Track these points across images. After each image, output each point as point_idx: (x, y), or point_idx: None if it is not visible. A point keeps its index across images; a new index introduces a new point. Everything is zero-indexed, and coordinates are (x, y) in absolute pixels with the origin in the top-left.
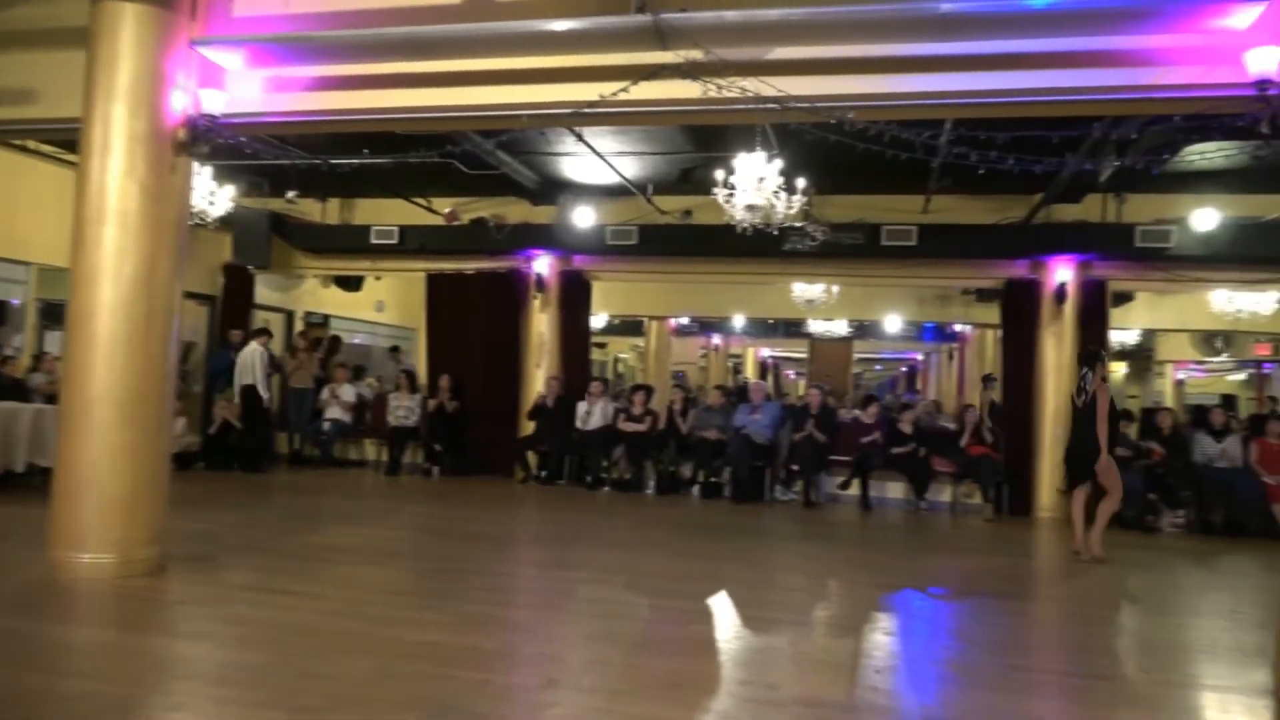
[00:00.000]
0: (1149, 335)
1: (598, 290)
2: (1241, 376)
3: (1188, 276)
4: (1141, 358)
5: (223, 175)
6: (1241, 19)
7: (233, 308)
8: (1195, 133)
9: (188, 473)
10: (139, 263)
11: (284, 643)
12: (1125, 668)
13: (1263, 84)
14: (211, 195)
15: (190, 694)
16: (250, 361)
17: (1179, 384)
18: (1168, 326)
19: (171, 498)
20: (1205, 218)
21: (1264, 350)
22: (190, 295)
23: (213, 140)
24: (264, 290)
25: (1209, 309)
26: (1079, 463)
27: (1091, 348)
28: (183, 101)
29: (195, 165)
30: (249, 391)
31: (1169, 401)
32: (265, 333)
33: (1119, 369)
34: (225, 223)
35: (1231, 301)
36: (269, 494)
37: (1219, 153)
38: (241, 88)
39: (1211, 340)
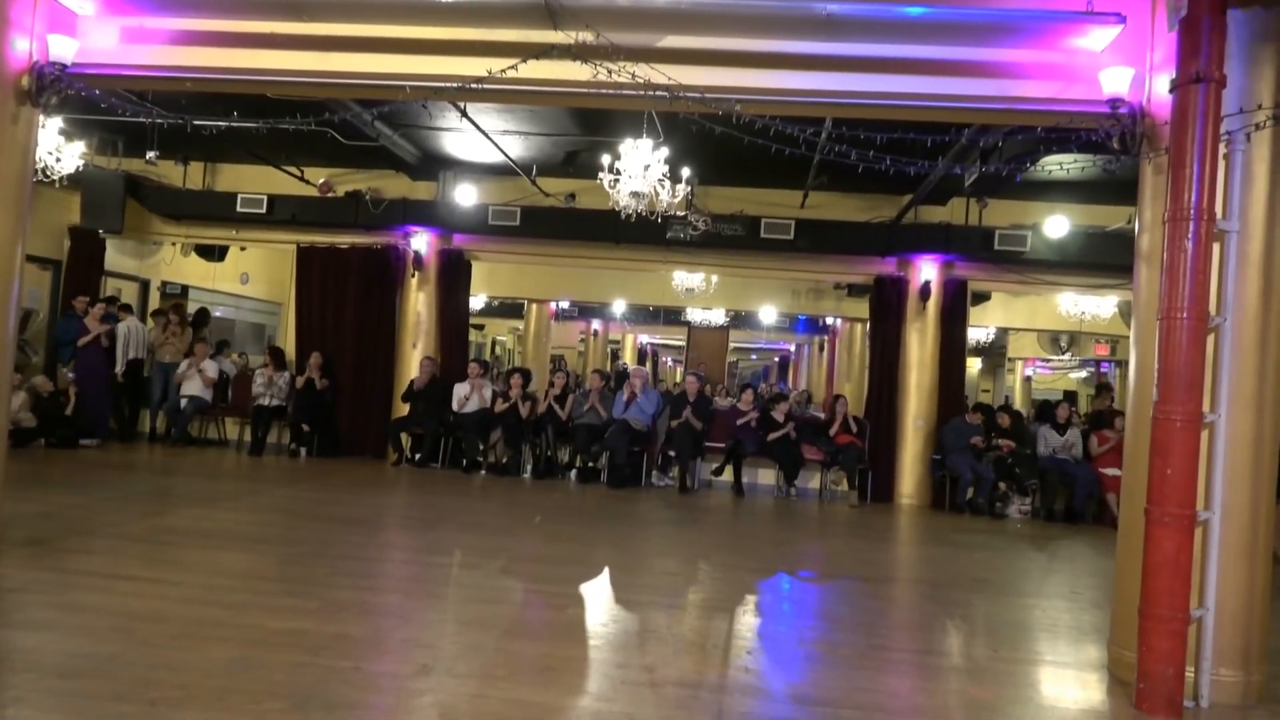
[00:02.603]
0: (1002, 333)
1: (478, 271)
2: (1083, 374)
3: (1039, 279)
4: (995, 354)
5: (72, 130)
6: (1097, 40)
7: (79, 274)
8: (1054, 144)
9: (26, 450)
10: None
11: (133, 631)
12: (975, 646)
13: (1115, 102)
14: (57, 150)
15: (29, 687)
16: (138, 336)
17: (1027, 380)
18: (1019, 326)
19: (8, 477)
20: (1057, 225)
21: (1103, 350)
22: (31, 259)
23: (61, 91)
24: (116, 256)
25: (1056, 310)
26: None
27: None
28: (26, 46)
29: (40, 117)
30: (137, 365)
31: (1017, 395)
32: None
33: (972, 364)
34: (74, 182)
35: (1077, 304)
36: (117, 474)
37: (1074, 164)
38: (96, 36)
39: (1057, 340)
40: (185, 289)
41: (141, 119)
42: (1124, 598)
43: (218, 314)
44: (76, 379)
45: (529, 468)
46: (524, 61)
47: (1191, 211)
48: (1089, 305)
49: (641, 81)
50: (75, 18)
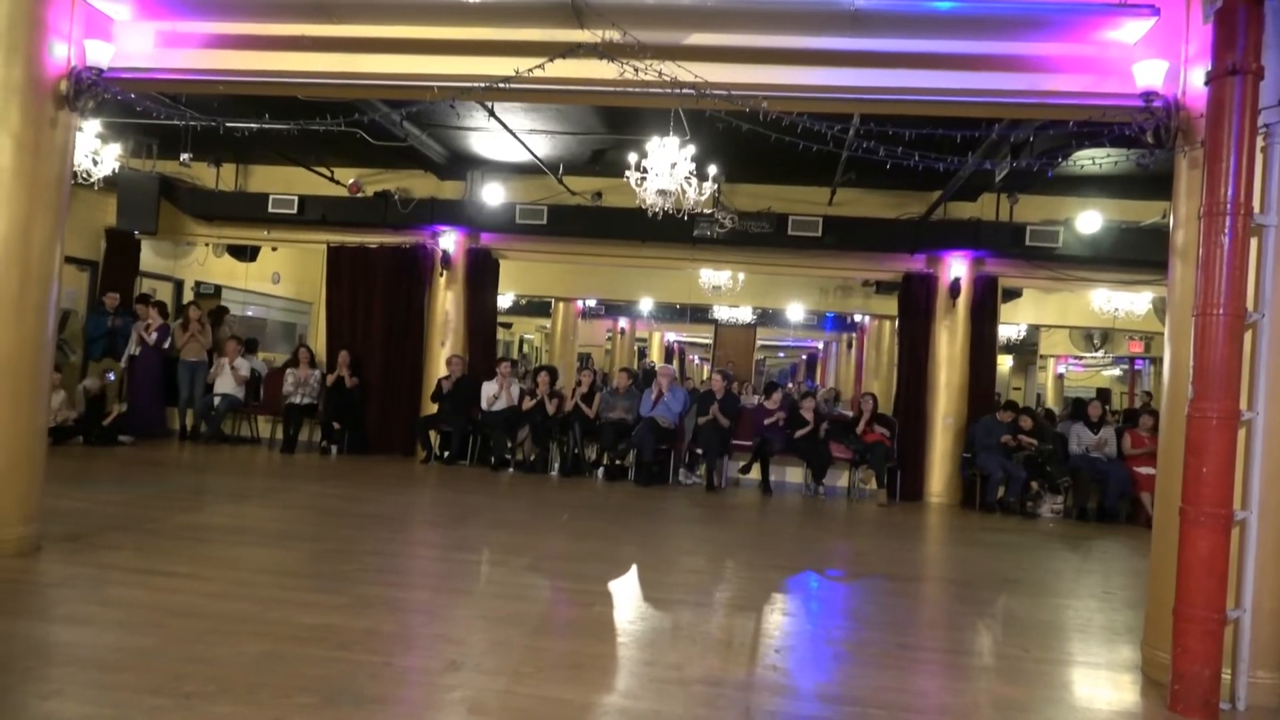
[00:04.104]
0: (1033, 331)
1: (505, 269)
2: (1116, 372)
3: (1072, 276)
4: (1026, 352)
5: (108, 133)
6: (1130, 33)
7: (115, 274)
8: (1086, 139)
9: (65, 447)
10: (12, 223)
11: (168, 626)
12: (1005, 645)
13: (1149, 96)
14: (95, 154)
15: (67, 680)
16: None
17: (1059, 377)
18: (1051, 322)
19: (48, 474)
20: (1090, 220)
21: (1137, 347)
22: (69, 260)
23: (98, 95)
24: (150, 257)
25: (1089, 307)
26: None
27: None
28: (64, 51)
29: (78, 121)
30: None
31: (1049, 393)
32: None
33: (1003, 362)
34: (110, 184)
35: (1110, 301)
36: (153, 471)
37: (1106, 159)
38: (131, 40)
39: (1090, 337)
40: (218, 289)
41: (175, 122)
42: (1158, 598)
43: (249, 313)
44: (132, 377)
45: (556, 465)
46: (550, 60)
47: (1228, 206)
48: (1122, 301)
49: (668, 79)
50: (111, 23)
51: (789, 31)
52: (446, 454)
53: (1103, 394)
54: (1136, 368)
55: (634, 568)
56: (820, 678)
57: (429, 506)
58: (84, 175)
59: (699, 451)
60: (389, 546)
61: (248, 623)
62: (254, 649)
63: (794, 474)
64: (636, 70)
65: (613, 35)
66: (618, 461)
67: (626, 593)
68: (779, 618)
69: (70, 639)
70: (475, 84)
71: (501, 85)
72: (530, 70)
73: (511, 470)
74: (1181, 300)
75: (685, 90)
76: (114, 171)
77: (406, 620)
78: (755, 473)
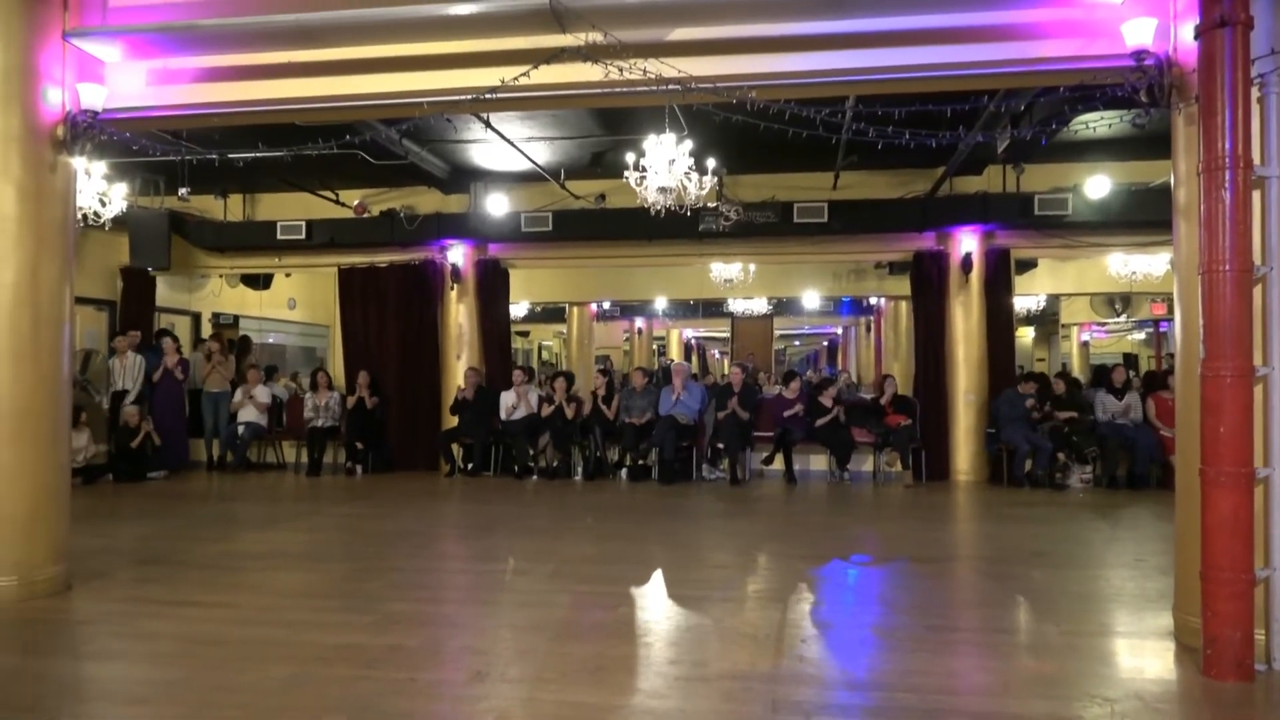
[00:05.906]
0: (1053, 300)
1: (516, 278)
2: (1141, 336)
3: (1085, 242)
4: (1048, 322)
5: (114, 173)
6: None
7: (132, 312)
8: (1080, 103)
9: (94, 486)
10: (20, 269)
11: (197, 655)
12: (1036, 621)
13: (1140, 54)
14: (103, 195)
15: (99, 715)
16: (133, 369)
17: (1084, 345)
18: (1069, 291)
19: (77, 513)
20: (1098, 185)
21: (1159, 309)
22: (87, 301)
23: (95, 137)
24: (167, 292)
25: (1107, 272)
26: None
27: None
28: (59, 97)
29: (82, 163)
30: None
31: (1075, 362)
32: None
33: (1025, 333)
34: (120, 223)
35: (1127, 264)
36: (181, 504)
37: (1101, 121)
38: (123, 81)
39: (1111, 302)
40: (236, 319)
41: (172, 157)
42: (1186, 562)
43: (269, 340)
44: (153, 412)
45: (580, 470)
46: (535, 67)
47: (1226, 160)
48: (1140, 264)
49: (653, 77)
50: (102, 65)
51: (770, 19)
52: (470, 466)
53: (1129, 359)
54: (1161, 330)
55: (659, 567)
56: (847, 665)
57: (453, 519)
58: (93, 216)
59: (720, 446)
60: (414, 562)
61: (275, 647)
62: (281, 672)
63: (818, 461)
64: (621, 70)
65: (595, 37)
66: (640, 461)
67: (651, 592)
68: (806, 608)
69: (101, 674)
70: (463, 96)
71: (489, 96)
72: (516, 79)
73: (535, 477)
74: (1187, 259)
75: (671, 86)
76: (123, 211)
77: (432, 634)
78: (779, 463)
